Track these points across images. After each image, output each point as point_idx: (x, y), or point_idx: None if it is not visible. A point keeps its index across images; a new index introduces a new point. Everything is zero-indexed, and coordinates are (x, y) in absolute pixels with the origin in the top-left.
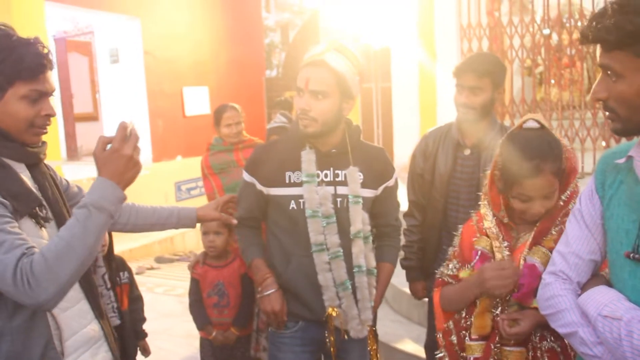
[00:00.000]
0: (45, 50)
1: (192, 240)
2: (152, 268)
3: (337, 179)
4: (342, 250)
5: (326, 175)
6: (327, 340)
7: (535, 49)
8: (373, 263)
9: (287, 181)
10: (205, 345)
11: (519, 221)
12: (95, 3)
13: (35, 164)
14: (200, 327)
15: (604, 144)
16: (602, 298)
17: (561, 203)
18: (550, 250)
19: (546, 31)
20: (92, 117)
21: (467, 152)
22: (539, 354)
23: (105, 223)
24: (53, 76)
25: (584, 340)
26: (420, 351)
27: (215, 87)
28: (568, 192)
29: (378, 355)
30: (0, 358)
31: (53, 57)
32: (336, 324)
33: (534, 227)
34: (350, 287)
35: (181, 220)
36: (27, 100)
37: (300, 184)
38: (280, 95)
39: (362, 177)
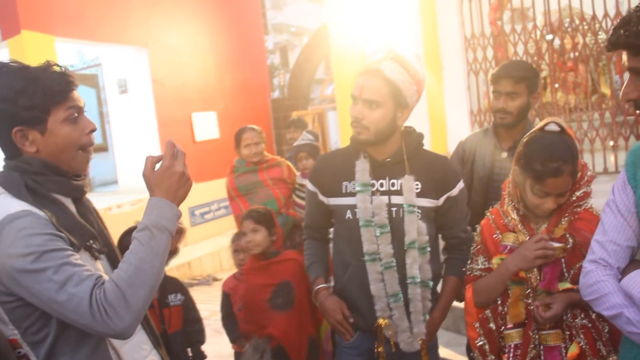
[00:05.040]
0: (64, 69)
1: (209, 265)
2: None
3: (392, 188)
4: (395, 261)
5: (382, 185)
6: (376, 350)
7: (539, 54)
8: (429, 275)
9: (343, 191)
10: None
11: (531, 214)
12: (103, 36)
13: (79, 198)
14: (232, 340)
15: (611, 143)
16: None
17: (574, 198)
18: (559, 240)
19: (549, 37)
20: (102, 148)
21: (505, 155)
22: (574, 332)
23: (167, 242)
24: None
25: (630, 320)
26: (451, 355)
27: (222, 111)
28: (582, 191)
29: None
30: None
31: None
32: (387, 335)
33: (547, 219)
34: (402, 298)
35: None
36: (69, 122)
37: (355, 194)
38: (286, 116)
39: (419, 186)
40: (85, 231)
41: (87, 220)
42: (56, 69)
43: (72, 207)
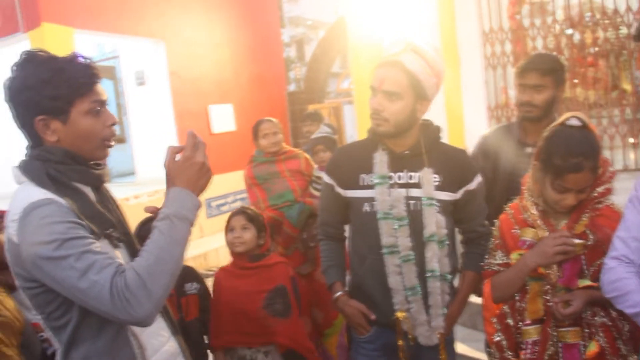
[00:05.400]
0: (89, 61)
1: (225, 256)
2: None
3: (410, 181)
4: (413, 254)
5: (400, 177)
6: (397, 344)
7: (558, 49)
8: (447, 269)
9: (360, 183)
10: None
11: (551, 210)
12: (121, 29)
13: (98, 187)
14: None
15: (632, 140)
16: None
17: (595, 194)
18: (579, 236)
19: (569, 31)
20: (120, 140)
21: (529, 150)
22: (593, 330)
23: (187, 232)
24: None
25: None
26: (467, 350)
27: (239, 103)
28: (603, 188)
29: None
30: None
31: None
32: (404, 328)
33: (567, 215)
34: (420, 291)
35: None
36: (92, 114)
37: (373, 186)
38: (303, 109)
39: (438, 179)
40: (105, 219)
41: (106, 209)
42: (81, 61)
43: (92, 196)
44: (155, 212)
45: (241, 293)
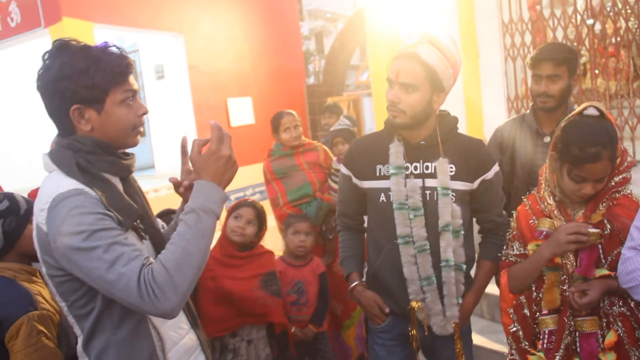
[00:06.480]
0: (122, 50)
1: None
2: None
3: (426, 172)
4: (428, 244)
5: (415, 168)
6: (410, 333)
7: (579, 40)
8: (462, 258)
9: (377, 174)
10: None
11: (568, 200)
12: (140, 23)
13: (126, 177)
14: None
15: None
16: None
17: (612, 184)
18: (596, 226)
19: (590, 21)
20: (140, 133)
21: (547, 139)
22: (611, 319)
23: (213, 225)
24: None
25: None
26: (485, 342)
27: (258, 96)
28: (621, 177)
29: (463, 356)
30: None
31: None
32: (419, 318)
33: (584, 205)
34: (435, 281)
35: None
36: (125, 104)
37: (389, 177)
38: (321, 102)
39: (453, 169)
40: (132, 211)
41: (133, 200)
42: (115, 50)
43: (120, 187)
44: (177, 182)
45: (235, 278)
